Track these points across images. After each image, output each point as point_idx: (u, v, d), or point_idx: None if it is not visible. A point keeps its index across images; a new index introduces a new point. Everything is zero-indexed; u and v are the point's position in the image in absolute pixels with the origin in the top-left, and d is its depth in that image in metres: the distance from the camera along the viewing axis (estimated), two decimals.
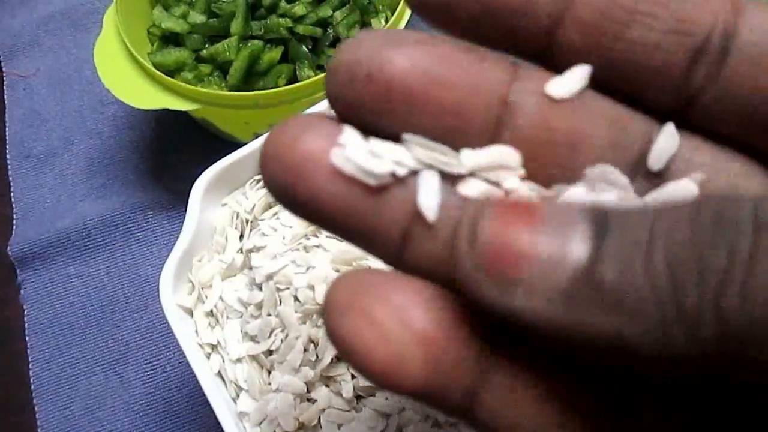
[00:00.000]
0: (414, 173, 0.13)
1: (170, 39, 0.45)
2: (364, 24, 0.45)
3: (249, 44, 0.42)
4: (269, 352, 0.30)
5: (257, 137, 0.36)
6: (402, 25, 0.42)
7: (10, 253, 0.43)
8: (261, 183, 0.34)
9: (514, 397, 0.13)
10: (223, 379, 0.31)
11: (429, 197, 0.13)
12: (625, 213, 0.12)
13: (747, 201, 0.11)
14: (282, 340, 0.30)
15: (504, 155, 0.14)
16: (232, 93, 0.40)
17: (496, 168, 0.14)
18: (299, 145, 0.13)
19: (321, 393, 0.29)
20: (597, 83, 0.14)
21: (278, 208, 0.33)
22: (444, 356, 0.13)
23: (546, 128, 0.14)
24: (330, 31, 0.44)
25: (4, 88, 0.51)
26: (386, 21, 0.45)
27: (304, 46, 0.43)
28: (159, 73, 0.39)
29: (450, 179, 0.14)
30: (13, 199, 0.46)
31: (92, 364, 0.40)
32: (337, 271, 0.30)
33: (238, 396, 0.31)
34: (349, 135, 0.13)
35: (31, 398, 0.39)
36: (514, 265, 0.11)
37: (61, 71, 0.51)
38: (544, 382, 0.13)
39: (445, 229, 0.13)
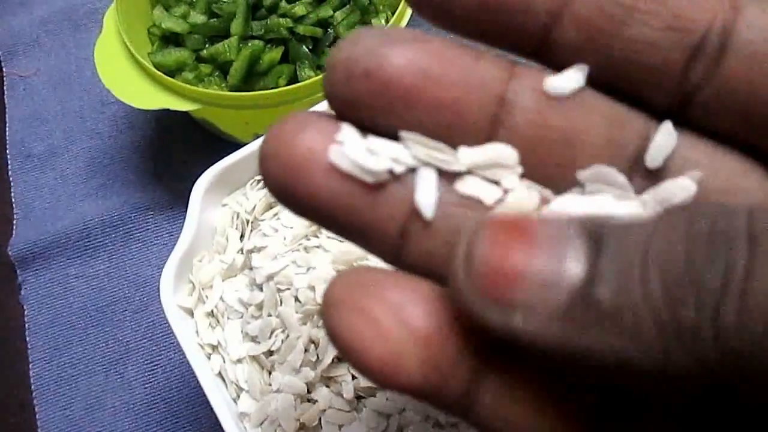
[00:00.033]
0: (411, 171, 0.14)
1: (170, 39, 0.45)
2: (365, 24, 0.45)
3: (249, 44, 0.42)
4: (270, 353, 0.30)
5: (258, 137, 0.36)
6: (403, 25, 0.42)
7: (10, 253, 0.43)
8: (261, 183, 0.34)
9: (510, 396, 0.13)
10: (224, 380, 0.31)
11: (426, 195, 0.13)
12: (619, 228, 0.12)
13: (741, 212, 0.11)
14: (283, 341, 0.30)
15: (501, 153, 0.14)
16: (232, 93, 0.40)
17: (493, 166, 0.14)
18: (297, 143, 0.13)
19: (322, 393, 0.29)
20: (594, 81, 0.14)
21: (279, 208, 0.33)
22: (441, 354, 0.13)
23: (543, 126, 0.14)
24: (330, 31, 0.44)
25: (5, 88, 0.51)
26: (387, 21, 0.45)
27: (304, 47, 0.43)
28: (159, 73, 0.39)
29: (447, 177, 0.14)
30: (13, 200, 0.46)
31: (92, 364, 0.40)
32: (338, 271, 0.30)
33: (238, 396, 0.31)
34: (347, 132, 0.13)
35: (31, 398, 0.39)
36: (511, 287, 0.11)
37: (62, 71, 0.51)
38: (540, 382, 0.13)
39: (442, 226, 0.14)
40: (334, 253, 0.30)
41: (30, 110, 0.50)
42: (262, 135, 0.38)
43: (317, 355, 0.29)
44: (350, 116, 0.14)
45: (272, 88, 0.40)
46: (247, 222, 0.33)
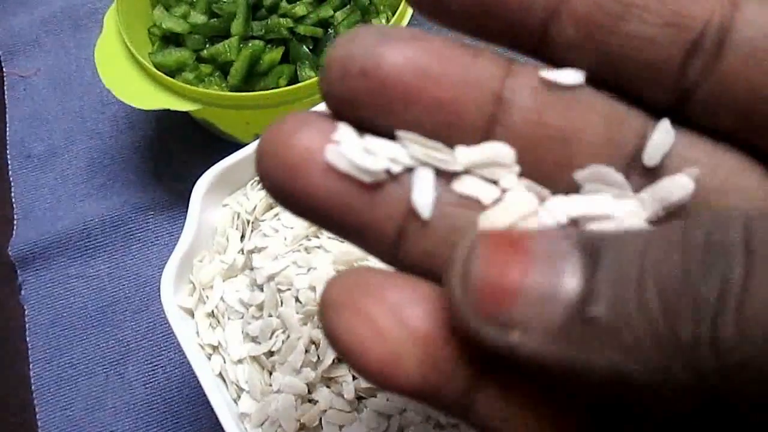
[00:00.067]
0: (409, 170, 0.14)
1: (171, 39, 0.45)
2: (366, 24, 0.45)
3: (250, 44, 0.42)
4: (270, 353, 0.30)
5: (258, 138, 0.36)
6: (403, 25, 0.42)
7: (10, 253, 0.43)
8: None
9: (510, 397, 0.13)
10: (224, 380, 0.31)
11: (423, 195, 0.13)
12: (615, 241, 0.12)
13: (737, 222, 0.11)
14: (283, 341, 0.30)
15: (498, 152, 0.14)
16: (232, 93, 0.40)
17: (490, 165, 0.14)
18: (294, 142, 0.13)
19: (322, 394, 0.29)
20: (592, 78, 0.14)
21: (279, 208, 0.33)
22: (440, 355, 0.13)
23: (540, 124, 0.14)
24: (331, 31, 0.44)
25: (5, 88, 0.51)
26: (387, 21, 0.45)
27: (304, 47, 0.43)
28: (160, 73, 0.39)
29: (445, 176, 0.14)
30: (13, 200, 0.46)
31: (93, 364, 0.40)
32: (338, 272, 0.30)
33: (239, 397, 0.31)
34: (344, 132, 0.13)
35: (31, 398, 0.39)
36: (507, 305, 0.11)
37: (62, 71, 0.51)
38: (537, 385, 0.13)
39: (440, 226, 0.13)
40: (334, 253, 0.30)
41: (30, 110, 0.50)
42: None
43: (318, 356, 0.29)
44: (347, 115, 0.14)
45: (273, 89, 0.40)
46: (248, 222, 0.33)
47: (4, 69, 0.52)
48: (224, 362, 0.31)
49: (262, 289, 0.31)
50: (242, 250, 0.33)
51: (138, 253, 0.43)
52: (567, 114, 0.14)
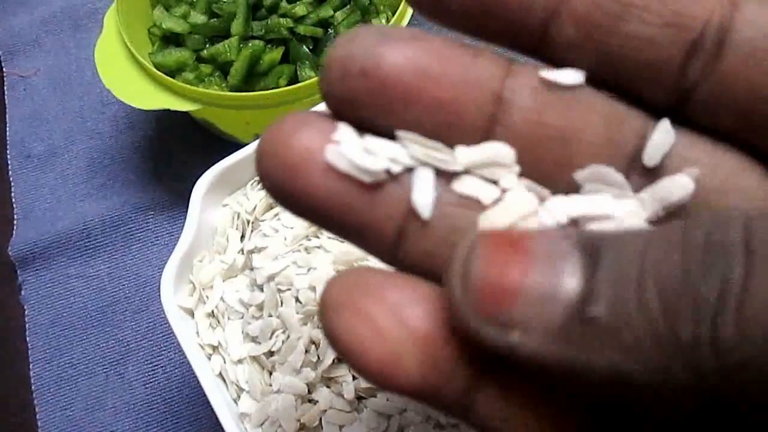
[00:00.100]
0: (409, 170, 0.13)
1: (171, 39, 0.45)
2: (366, 24, 0.45)
3: (250, 44, 0.42)
4: (270, 353, 0.30)
5: (258, 138, 0.36)
6: (403, 25, 0.42)
7: (10, 253, 0.43)
8: None
9: (510, 397, 0.13)
10: (224, 380, 0.31)
11: (423, 195, 0.13)
12: (614, 241, 0.12)
13: (737, 222, 0.11)
14: (283, 341, 0.30)
15: (498, 152, 0.14)
16: (232, 93, 0.40)
17: (490, 165, 0.14)
18: (294, 142, 0.13)
19: (322, 394, 0.29)
20: (592, 78, 0.14)
21: (280, 208, 0.33)
22: (440, 355, 0.13)
23: (540, 124, 0.14)
24: (331, 31, 0.44)
25: (5, 88, 0.51)
26: (387, 21, 0.45)
27: (305, 47, 0.43)
28: (160, 73, 0.39)
29: (445, 176, 0.14)
30: (13, 200, 0.46)
31: (93, 364, 0.40)
32: (338, 272, 0.30)
33: (239, 397, 0.31)
34: (344, 132, 0.13)
35: (31, 398, 0.39)
36: (508, 305, 0.11)
37: (62, 71, 0.51)
38: (538, 385, 0.13)
39: (440, 226, 0.13)
40: (334, 253, 0.30)
41: (30, 110, 0.50)
42: None
43: (318, 356, 0.29)
44: (347, 115, 0.14)
45: (273, 89, 0.40)
46: (248, 222, 0.33)
47: (4, 69, 0.52)
48: (224, 362, 0.31)
49: (262, 289, 0.31)
50: (242, 250, 0.33)
51: (138, 253, 0.43)
52: (567, 114, 0.14)
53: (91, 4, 0.54)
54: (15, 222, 0.45)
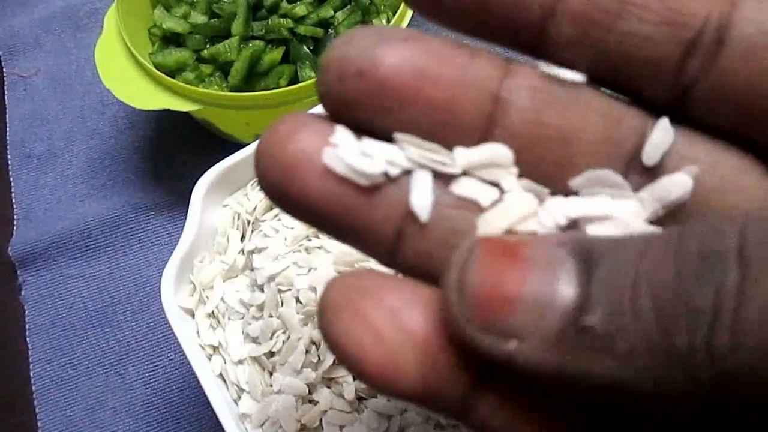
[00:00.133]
0: (407, 173, 0.13)
1: (171, 39, 0.45)
2: (366, 24, 0.45)
3: (250, 45, 0.42)
4: (271, 354, 0.30)
5: (258, 138, 0.36)
6: (404, 25, 0.42)
7: (10, 253, 0.43)
8: None
9: (510, 401, 0.13)
10: (225, 381, 0.31)
11: (421, 198, 0.13)
12: (609, 248, 0.12)
13: (731, 230, 0.11)
14: (284, 342, 0.30)
15: (496, 153, 0.13)
16: (233, 94, 0.40)
17: (488, 166, 0.14)
18: (291, 144, 0.13)
19: (323, 395, 0.29)
20: (591, 76, 0.14)
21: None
22: (439, 359, 0.13)
23: (538, 124, 0.13)
24: (331, 31, 0.44)
25: (5, 88, 0.51)
26: (388, 21, 0.45)
27: (305, 47, 0.43)
28: (160, 73, 0.39)
29: (443, 178, 0.14)
30: (13, 200, 0.46)
31: (93, 364, 0.40)
32: (339, 272, 0.30)
33: (239, 398, 0.31)
34: (341, 134, 0.13)
35: (32, 399, 0.39)
36: (504, 313, 0.11)
37: (62, 71, 0.51)
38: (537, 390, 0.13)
39: (438, 228, 0.13)
40: (335, 254, 0.30)
41: (30, 110, 0.50)
42: None
43: (318, 356, 0.29)
44: (344, 117, 0.14)
45: (273, 89, 0.40)
46: (248, 223, 0.33)
47: (4, 69, 0.52)
48: (225, 363, 0.31)
49: (262, 290, 0.31)
50: (242, 250, 0.33)
51: (138, 253, 0.43)
52: (565, 113, 0.13)
53: (91, 4, 0.54)
54: (15, 222, 0.45)
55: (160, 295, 0.31)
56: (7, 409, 0.40)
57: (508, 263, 0.12)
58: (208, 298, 0.32)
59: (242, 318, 0.32)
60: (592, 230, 0.13)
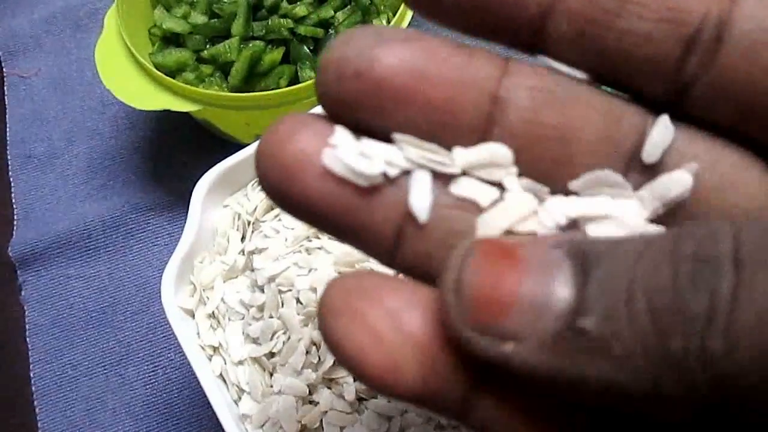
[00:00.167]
0: (406, 173, 0.13)
1: (171, 39, 0.45)
2: (366, 24, 0.45)
3: (250, 45, 0.42)
4: (271, 355, 0.30)
5: (259, 138, 0.36)
6: (404, 25, 0.42)
7: (10, 253, 0.43)
8: None
9: (510, 402, 0.13)
10: (225, 382, 0.31)
11: (420, 198, 0.13)
12: (605, 250, 0.12)
13: (727, 234, 0.11)
14: (284, 343, 0.30)
15: (496, 153, 0.13)
16: (233, 94, 0.40)
17: (487, 166, 0.14)
18: (291, 145, 0.13)
19: (323, 395, 0.29)
20: (590, 74, 0.14)
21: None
22: (439, 360, 0.13)
23: (537, 123, 0.13)
24: (332, 31, 0.44)
25: (5, 88, 0.51)
26: (388, 21, 0.45)
27: (305, 47, 0.43)
28: (160, 73, 0.39)
29: (442, 178, 0.14)
30: (13, 200, 0.46)
31: (93, 365, 0.40)
32: (339, 273, 0.30)
33: (240, 398, 0.31)
34: (340, 135, 0.13)
35: (32, 399, 0.39)
36: (500, 315, 0.11)
37: (62, 72, 0.51)
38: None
39: (438, 228, 0.13)
40: (335, 254, 0.30)
41: (30, 111, 0.50)
42: None
43: (319, 357, 0.29)
44: (343, 117, 0.14)
45: (273, 89, 0.40)
46: (249, 223, 0.33)
47: (4, 69, 0.52)
48: (225, 363, 0.31)
49: (262, 290, 0.31)
50: (243, 251, 0.33)
51: (138, 253, 0.43)
52: (564, 112, 0.13)
53: (91, 4, 0.54)
54: (15, 222, 0.45)
55: (160, 296, 0.31)
56: (7, 409, 0.40)
57: (505, 265, 0.12)
58: (208, 298, 0.32)
59: (242, 319, 0.32)
60: (593, 230, 0.13)
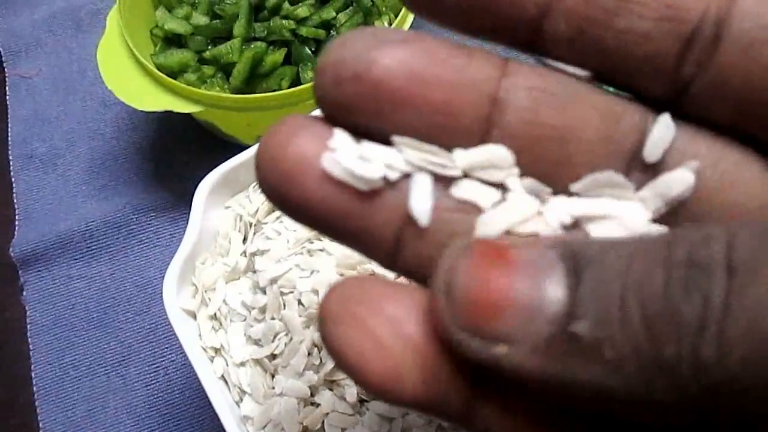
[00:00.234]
0: (406, 176, 0.13)
1: (173, 40, 0.45)
2: (367, 26, 0.45)
3: (252, 46, 0.42)
4: (273, 356, 0.30)
5: (260, 140, 0.36)
6: (406, 27, 0.42)
7: (12, 254, 0.43)
8: None
9: (511, 407, 0.13)
10: (227, 383, 0.31)
11: (421, 202, 0.13)
12: (598, 254, 0.11)
13: (720, 239, 0.11)
14: (286, 344, 0.30)
15: (496, 154, 0.13)
16: (234, 95, 0.40)
17: (489, 167, 0.13)
18: (291, 148, 0.13)
19: (325, 397, 0.29)
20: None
21: None
22: (440, 366, 0.12)
23: (537, 124, 0.13)
24: (333, 33, 0.44)
25: (7, 88, 0.51)
26: (390, 23, 0.45)
27: (307, 48, 0.43)
28: (161, 74, 0.39)
29: (443, 180, 0.13)
30: (15, 200, 0.46)
31: (95, 365, 0.40)
32: (341, 275, 0.30)
33: (241, 400, 0.31)
34: (340, 138, 0.13)
35: (33, 400, 0.39)
36: (492, 317, 0.11)
37: (64, 72, 0.51)
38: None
39: (438, 231, 0.13)
40: (337, 256, 0.30)
41: (32, 111, 0.50)
42: None
43: (320, 359, 0.29)
44: (342, 120, 0.13)
45: (274, 90, 0.40)
46: (250, 225, 0.33)
47: (6, 69, 0.52)
48: (227, 365, 0.31)
49: (264, 292, 0.31)
50: (245, 252, 0.33)
51: (140, 254, 0.43)
52: (564, 112, 0.13)
53: (93, 4, 0.54)
54: (17, 222, 0.45)
55: (161, 297, 0.31)
56: (8, 409, 0.40)
57: (497, 266, 0.12)
58: (210, 299, 0.32)
59: (244, 320, 0.32)
60: (595, 230, 0.13)
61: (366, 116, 0.13)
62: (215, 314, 0.32)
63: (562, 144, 0.13)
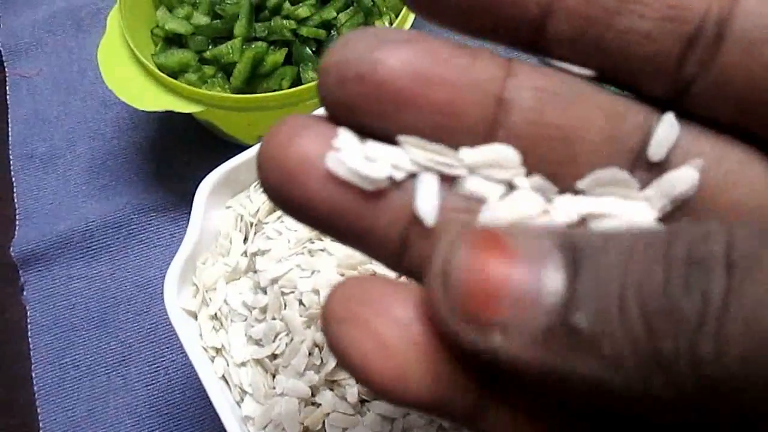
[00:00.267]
0: (412, 176, 0.13)
1: (174, 40, 0.45)
2: (368, 26, 0.45)
3: (253, 46, 0.42)
4: (274, 356, 0.30)
5: (261, 140, 0.36)
6: (407, 27, 0.42)
7: (12, 254, 0.43)
8: None
9: (518, 407, 0.13)
10: (228, 383, 0.31)
11: (427, 201, 0.13)
12: (596, 248, 0.11)
13: (720, 236, 0.10)
14: (287, 344, 0.30)
15: (502, 154, 0.13)
16: (235, 95, 0.40)
17: (494, 166, 0.13)
18: (293, 148, 0.13)
19: (326, 397, 0.29)
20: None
21: None
22: (446, 367, 0.12)
23: (541, 123, 0.13)
24: (334, 33, 0.44)
25: (7, 88, 0.51)
26: (390, 23, 0.45)
27: (308, 48, 0.43)
28: (162, 74, 0.39)
29: (448, 180, 0.13)
30: (15, 200, 0.46)
31: (95, 365, 0.40)
32: (342, 275, 0.30)
33: (242, 400, 0.31)
34: (344, 138, 0.13)
35: (33, 400, 0.39)
36: (489, 306, 0.11)
37: (64, 72, 0.51)
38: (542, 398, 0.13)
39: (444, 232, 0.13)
40: (338, 256, 0.30)
41: (32, 111, 0.50)
42: None
43: (321, 359, 0.29)
44: (346, 121, 0.13)
45: (275, 90, 0.40)
46: (251, 225, 0.33)
47: (6, 69, 0.52)
48: (227, 365, 0.31)
49: (265, 292, 0.31)
50: (245, 252, 0.33)
51: (140, 254, 0.43)
52: (569, 112, 0.13)
53: (93, 4, 0.54)
54: (17, 222, 0.45)
55: (162, 297, 0.31)
56: (8, 409, 0.40)
57: (494, 254, 0.11)
58: (210, 299, 0.32)
59: (245, 320, 0.32)
60: (600, 228, 0.13)
61: (370, 116, 0.13)
62: (216, 314, 0.32)
63: (566, 144, 0.13)
